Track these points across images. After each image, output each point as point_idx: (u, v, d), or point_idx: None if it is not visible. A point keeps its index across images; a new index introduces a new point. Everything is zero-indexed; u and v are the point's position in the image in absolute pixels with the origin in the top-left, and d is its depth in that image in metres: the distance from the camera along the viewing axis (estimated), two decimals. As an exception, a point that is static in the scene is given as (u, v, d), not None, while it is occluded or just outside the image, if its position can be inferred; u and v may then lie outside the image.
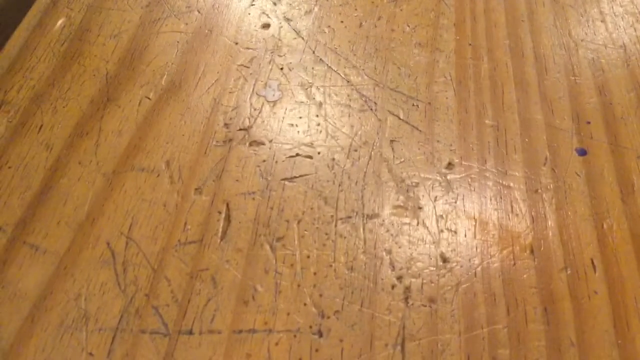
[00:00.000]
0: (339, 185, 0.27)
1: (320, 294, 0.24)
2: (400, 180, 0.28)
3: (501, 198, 0.27)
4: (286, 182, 0.27)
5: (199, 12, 0.35)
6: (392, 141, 0.29)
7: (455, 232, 0.26)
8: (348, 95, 0.31)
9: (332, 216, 0.26)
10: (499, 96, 0.31)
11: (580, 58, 0.34)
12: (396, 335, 0.23)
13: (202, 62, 0.32)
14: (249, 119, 0.30)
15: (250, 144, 0.29)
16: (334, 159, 0.28)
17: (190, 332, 0.23)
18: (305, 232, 0.26)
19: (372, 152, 0.29)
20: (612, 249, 0.26)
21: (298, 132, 0.29)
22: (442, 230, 0.26)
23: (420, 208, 0.27)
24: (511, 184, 0.28)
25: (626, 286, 0.25)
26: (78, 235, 0.25)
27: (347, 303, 0.24)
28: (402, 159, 0.29)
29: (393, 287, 0.24)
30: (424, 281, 0.24)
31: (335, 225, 0.26)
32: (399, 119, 0.30)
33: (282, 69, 0.32)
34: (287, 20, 0.35)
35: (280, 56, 0.33)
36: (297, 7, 0.36)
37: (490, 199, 0.27)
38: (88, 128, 0.29)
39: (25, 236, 0.25)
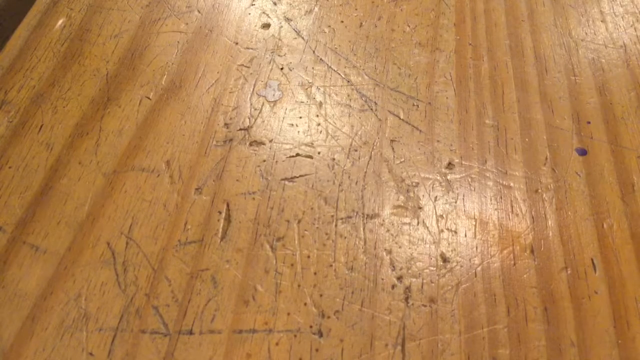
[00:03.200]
0: (339, 185, 0.27)
1: (320, 294, 0.24)
2: (401, 180, 0.28)
3: (501, 198, 0.27)
4: (286, 182, 0.27)
5: (199, 12, 0.35)
6: (392, 141, 0.29)
7: (456, 232, 0.26)
8: (348, 95, 0.31)
9: (332, 216, 0.26)
10: (499, 96, 0.31)
11: (581, 58, 0.34)
12: (396, 335, 0.23)
13: (202, 62, 0.32)
14: (249, 118, 0.30)
15: (251, 144, 0.29)
16: (334, 159, 0.28)
17: (191, 332, 0.23)
18: (306, 232, 0.26)
19: (373, 152, 0.29)
20: (612, 249, 0.26)
21: (298, 132, 0.29)
22: (442, 230, 0.26)
23: (420, 208, 0.27)
24: (511, 184, 0.28)
25: (626, 286, 0.25)
26: (78, 235, 0.25)
27: (347, 303, 0.24)
28: (403, 159, 0.29)
29: (393, 287, 0.24)
30: (424, 281, 0.24)
31: (336, 225, 0.26)
32: (399, 118, 0.30)
33: (282, 69, 0.32)
34: (287, 20, 0.35)
35: (281, 56, 0.33)
36: (297, 7, 0.36)
37: (491, 199, 0.27)
38: (88, 128, 0.29)
39: (26, 236, 0.25)
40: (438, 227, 0.26)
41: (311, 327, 0.23)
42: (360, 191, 0.27)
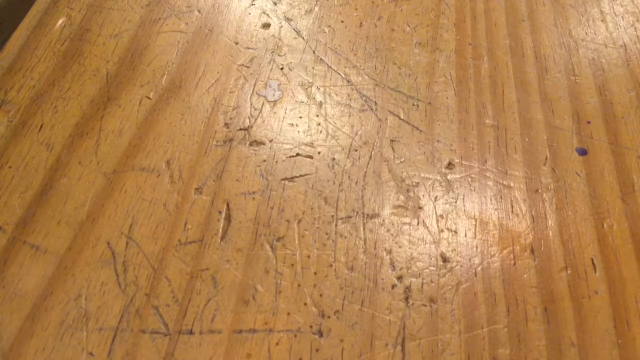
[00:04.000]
0: (339, 185, 0.27)
1: (320, 293, 0.24)
2: (401, 180, 0.28)
3: (501, 198, 0.27)
4: (286, 182, 0.27)
5: (199, 11, 0.35)
6: (392, 141, 0.29)
7: (456, 232, 0.26)
8: (348, 95, 0.31)
9: (332, 216, 0.26)
10: (499, 96, 0.31)
11: (581, 58, 0.34)
12: (396, 335, 0.23)
13: (202, 61, 0.32)
14: (249, 118, 0.30)
15: (251, 144, 0.29)
16: (334, 159, 0.28)
17: (191, 332, 0.23)
18: (306, 232, 0.26)
19: (373, 152, 0.29)
20: (613, 249, 0.26)
21: (298, 131, 0.29)
22: (442, 230, 0.26)
23: (420, 208, 0.27)
24: (511, 184, 0.28)
25: (626, 286, 0.25)
26: (78, 235, 0.25)
27: (347, 303, 0.24)
28: (403, 159, 0.29)
29: (393, 286, 0.24)
30: (424, 281, 0.24)
31: (336, 225, 0.26)
32: (399, 118, 0.30)
33: (282, 68, 0.32)
34: (288, 20, 0.35)
35: (281, 56, 0.33)
36: (297, 7, 0.36)
37: (491, 199, 0.27)
38: (88, 128, 0.29)
39: (26, 236, 0.25)
40: (438, 227, 0.26)
41: (311, 327, 0.23)
42: (360, 191, 0.27)
